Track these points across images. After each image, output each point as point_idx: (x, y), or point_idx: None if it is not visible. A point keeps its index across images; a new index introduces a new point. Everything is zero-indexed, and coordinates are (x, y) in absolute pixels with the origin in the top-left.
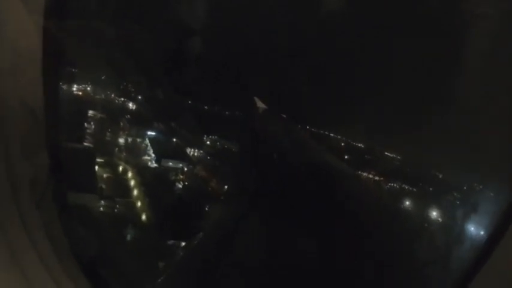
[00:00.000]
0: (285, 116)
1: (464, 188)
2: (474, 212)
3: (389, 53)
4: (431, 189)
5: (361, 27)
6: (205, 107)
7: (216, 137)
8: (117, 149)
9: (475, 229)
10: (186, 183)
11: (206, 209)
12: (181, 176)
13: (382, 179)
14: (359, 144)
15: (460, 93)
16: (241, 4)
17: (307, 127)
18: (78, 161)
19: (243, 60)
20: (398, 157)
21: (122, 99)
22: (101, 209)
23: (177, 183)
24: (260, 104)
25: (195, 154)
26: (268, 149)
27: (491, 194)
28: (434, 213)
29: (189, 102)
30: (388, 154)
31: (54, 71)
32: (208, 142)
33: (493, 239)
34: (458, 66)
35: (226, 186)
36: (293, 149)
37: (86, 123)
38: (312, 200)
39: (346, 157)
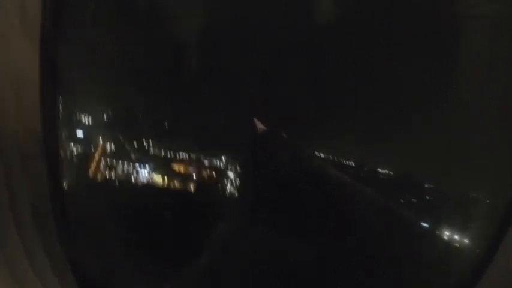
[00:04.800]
0: (285, 135)
1: (461, 194)
2: (471, 217)
3: (381, 63)
4: (427, 197)
5: (355, 35)
6: (204, 127)
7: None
8: None
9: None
10: None
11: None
12: None
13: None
14: (350, 163)
15: (453, 98)
16: (239, 20)
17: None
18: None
19: (240, 79)
20: (391, 172)
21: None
22: None
23: None
24: (260, 125)
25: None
26: (269, 166)
27: (489, 198)
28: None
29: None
30: (380, 170)
31: (53, 93)
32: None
33: (492, 244)
34: (453, 71)
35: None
36: (295, 166)
37: None
38: (316, 213)
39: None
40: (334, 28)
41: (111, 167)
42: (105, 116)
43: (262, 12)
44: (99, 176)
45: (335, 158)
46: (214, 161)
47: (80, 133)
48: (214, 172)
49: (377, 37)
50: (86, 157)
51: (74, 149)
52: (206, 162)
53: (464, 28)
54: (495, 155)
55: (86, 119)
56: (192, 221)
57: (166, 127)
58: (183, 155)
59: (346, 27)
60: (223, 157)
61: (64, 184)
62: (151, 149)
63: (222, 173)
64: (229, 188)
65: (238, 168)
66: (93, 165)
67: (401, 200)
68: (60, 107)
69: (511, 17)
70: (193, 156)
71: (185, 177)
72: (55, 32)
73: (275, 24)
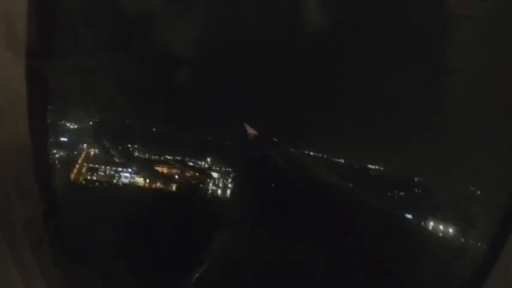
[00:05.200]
0: (276, 139)
1: (461, 194)
2: (471, 218)
3: (371, 65)
4: (426, 198)
5: (352, 37)
6: (197, 136)
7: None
8: None
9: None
10: None
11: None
12: None
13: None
14: (340, 160)
15: (448, 99)
16: (228, 33)
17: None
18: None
19: (229, 88)
20: (381, 168)
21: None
22: None
23: None
24: (251, 131)
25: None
26: (264, 171)
27: (489, 199)
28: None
29: (180, 131)
30: (371, 166)
31: (41, 108)
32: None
33: (493, 245)
34: (445, 71)
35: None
36: (288, 168)
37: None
38: (311, 212)
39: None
40: (330, 31)
41: (101, 176)
42: (96, 125)
43: (257, 17)
44: (90, 185)
45: (334, 159)
46: (211, 166)
47: (68, 143)
48: (211, 177)
49: (375, 39)
50: (75, 167)
51: (62, 158)
52: (204, 167)
53: (461, 29)
54: (495, 155)
55: (75, 130)
56: (191, 227)
57: (160, 134)
58: (178, 161)
59: (342, 29)
60: (219, 161)
61: (56, 195)
62: (136, 154)
63: (218, 178)
64: (227, 192)
65: (234, 171)
66: (83, 174)
67: (401, 202)
68: (49, 118)
69: (503, 16)
70: (193, 163)
71: (183, 184)
72: (42, 44)
73: (271, 28)
